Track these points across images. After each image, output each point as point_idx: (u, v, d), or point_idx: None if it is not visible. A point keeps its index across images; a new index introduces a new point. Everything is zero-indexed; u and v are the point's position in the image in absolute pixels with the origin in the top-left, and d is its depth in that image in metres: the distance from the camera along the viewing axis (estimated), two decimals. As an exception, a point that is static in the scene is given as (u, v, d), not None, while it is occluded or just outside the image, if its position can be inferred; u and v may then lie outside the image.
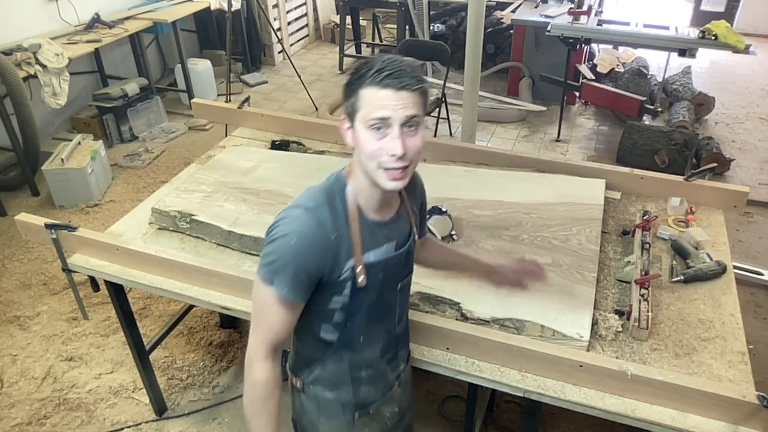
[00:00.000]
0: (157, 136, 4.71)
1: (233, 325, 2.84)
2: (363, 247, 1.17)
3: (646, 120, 4.64)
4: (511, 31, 5.37)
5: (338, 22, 6.28)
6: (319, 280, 1.15)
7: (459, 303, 1.61)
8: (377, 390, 1.35)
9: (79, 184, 3.74)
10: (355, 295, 1.19)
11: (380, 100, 1.05)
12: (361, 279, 1.17)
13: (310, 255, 1.11)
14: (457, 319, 1.60)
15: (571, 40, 4.17)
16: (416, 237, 1.32)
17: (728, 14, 6.93)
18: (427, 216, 1.87)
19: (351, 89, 1.09)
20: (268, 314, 1.16)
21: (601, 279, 1.75)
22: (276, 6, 6.06)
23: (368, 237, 1.18)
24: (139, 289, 2.39)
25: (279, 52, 6.28)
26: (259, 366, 1.19)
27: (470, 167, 2.29)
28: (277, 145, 2.55)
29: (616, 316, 1.61)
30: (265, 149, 2.51)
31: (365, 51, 6.57)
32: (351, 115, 1.11)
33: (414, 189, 1.35)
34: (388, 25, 6.99)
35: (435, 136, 4.42)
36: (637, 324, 1.54)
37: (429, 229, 1.86)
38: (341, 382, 1.30)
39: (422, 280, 1.68)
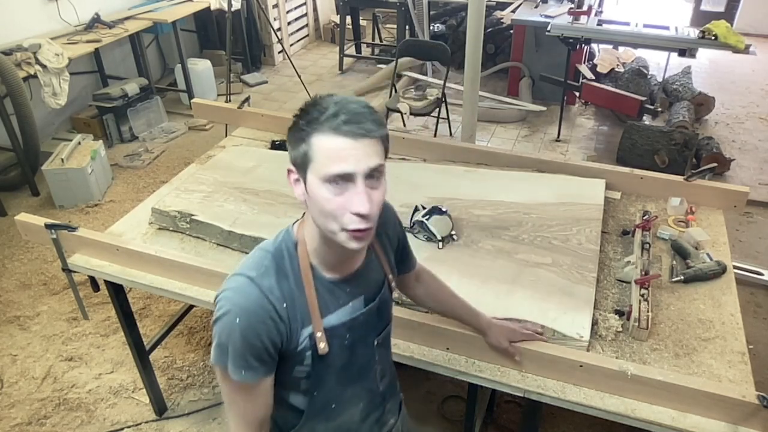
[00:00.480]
0: (157, 136, 4.71)
1: (233, 325, 2.83)
2: (322, 311, 1.04)
3: (646, 120, 4.64)
4: (511, 31, 5.37)
5: (338, 22, 6.28)
6: (279, 351, 1.02)
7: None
8: None
9: (79, 184, 3.74)
10: (318, 363, 1.06)
11: (339, 151, 0.89)
12: (322, 346, 1.04)
13: (261, 331, 0.98)
14: (457, 319, 1.60)
15: (571, 40, 4.17)
16: (391, 285, 1.20)
17: (728, 14, 6.93)
18: (427, 217, 1.87)
19: (300, 135, 0.93)
20: (237, 400, 1.04)
21: (601, 279, 1.75)
22: (276, 6, 6.06)
23: (328, 298, 1.05)
24: (139, 289, 2.39)
25: (279, 52, 6.28)
26: None
27: (470, 167, 2.29)
28: (277, 145, 2.55)
29: (616, 316, 1.61)
30: (265, 149, 2.51)
31: (365, 51, 6.57)
32: (301, 166, 0.95)
33: (385, 225, 1.17)
34: (388, 25, 6.99)
35: (435, 136, 4.42)
36: (637, 324, 1.54)
37: (429, 229, 1.86)
38: None
39: (422, 280, 1.68)
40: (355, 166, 0.90)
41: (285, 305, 1.00)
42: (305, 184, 0.96)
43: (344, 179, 0.91)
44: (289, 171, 1.00)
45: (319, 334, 1.03)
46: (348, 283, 1.08)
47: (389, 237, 1.21)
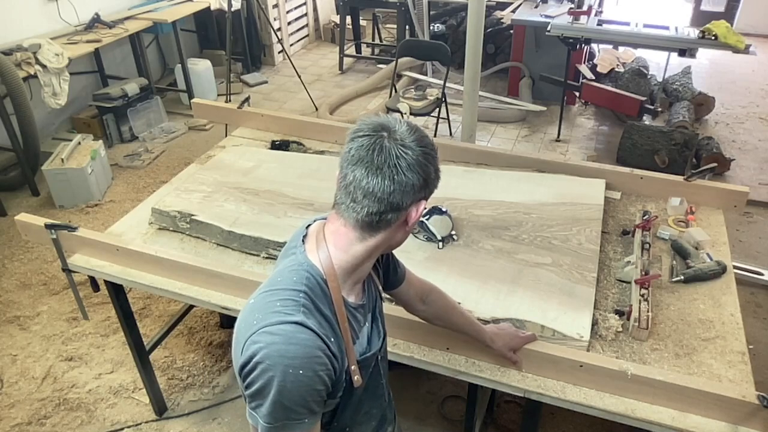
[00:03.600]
0: (157, 136, 4.71)
1: (233, 325, 2.83)
2: (353, 341, 1.02)
3: (646, 120, 4.64)
4: (511, 31, 5.37)
5: (338, 22, 6.28)
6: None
7: (459, 303, 1.61)
8: None
9: (79, 184, 3.74)
10: (346, 395, 1.03)
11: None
12: (356, 378, 1.01)
13: (324, 374, 0.91)
14: (457, 319, 1.60)
15: (571, 40, 4.17)
16: (381, 295, 1.20)
17: (728, 14, 6.93)
18: (427, 217, 1.87)
19: (436, 181, 1.04)
20: None
21: (601, 279, 1.75)
22: (276, 6, 6.06)
23: (354, 325, 1.03)
24: (139, 289, 2.39)
25: (279, 52, 6.28)
26: None
27: (470, 167, 2.29)
28: (277, 145, 2.55)
29: (616, 316, 1.61)
30: (265, 149, 2.51)
31: (365, 51, 6.57)
32: (425, 197, 1.02)
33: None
34: (388, 25, 6.99)
35: (435, 136, 4.42)
36: (637, 324, 1.54)
37: (429, 229, 1.86)
38: None
39: (422, 280, 1.68)
40: None
41: (333, 340, 0.95)
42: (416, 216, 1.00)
43: None
44: (420, 203, 1.02)
45: (353, 368, 1.01)
46: (362, 305, 1.08)
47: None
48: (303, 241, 1.04)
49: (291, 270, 0.99)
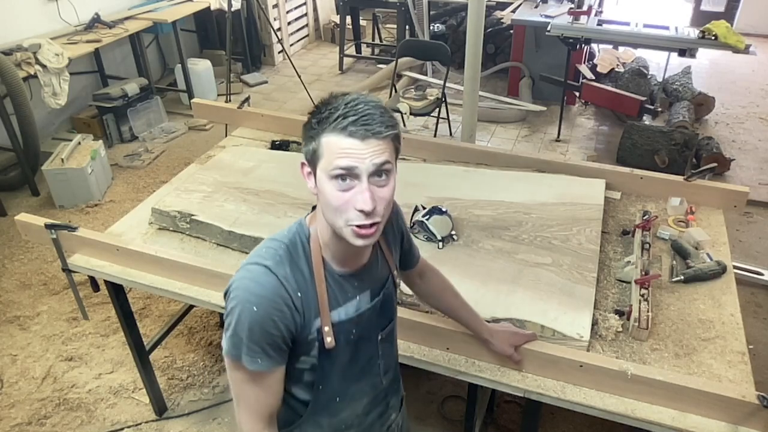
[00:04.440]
0: (157, 136, 4.71)
1: (233, 325, 2.83)
2: (330, 305, 1.06)
3: (646, 120, 4.64)
4: (511, 31, 5.37)
5: (338, 22, 6.28)
6: (292, 340, 1.04)
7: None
8: None
9: (79, 184, 3.74)
10: (323, 357, 1.08)
11: (344, 150, 0.93)
12: (329, 340, 1.06)
13: (278, 319, 0.99)
14: (457, 319, 1.60)
15: (571, 40, 4.17)
16: (396, 281, 1.23)
17: (728, 14, 6.93)
18: (427, 217, 1.87)
19: (310, 133, 0.97)
20: (249, 391, 1.04)
21: (601, 279, 1.75)
22: (276, 6, 6.06)
23: (337, 292, 1.08)
24: (139, 289, 2.39)
25: (279, 52, 6.28)
26: None
27: (470, 167, 2.29)
28: (277, 145, 2.55)
29: (616, 316, 1.61)
30: (265, 149, 2.51)
31: (365, 51, 6.57)
32: (311, 162, 0.99)
33: (391, 222, 1.21)
34: (388, 25, 6.99)
35: (435, 136, 4.42)
36: (637, 324, 1.54)
37: (429, 229, 1.86)
38: None
39: (422, 280, 1.68)
40: (358, 162, 0.93)
41: (299, 295, 1.02)
42: (315, 179, 1.00)
43: (350, 176, 0.94)
44: (303, 164, 1.03)
45: (326, 329, 1.06)
46: (356, 278, 1.11)
47: (395, 233, 1.23)
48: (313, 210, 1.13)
49: (288, 227, 1.10)
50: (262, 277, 1.00)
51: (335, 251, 1.06)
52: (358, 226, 0.96)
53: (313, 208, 1.10)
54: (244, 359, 1.00)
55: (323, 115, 0.95)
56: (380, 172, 0.95)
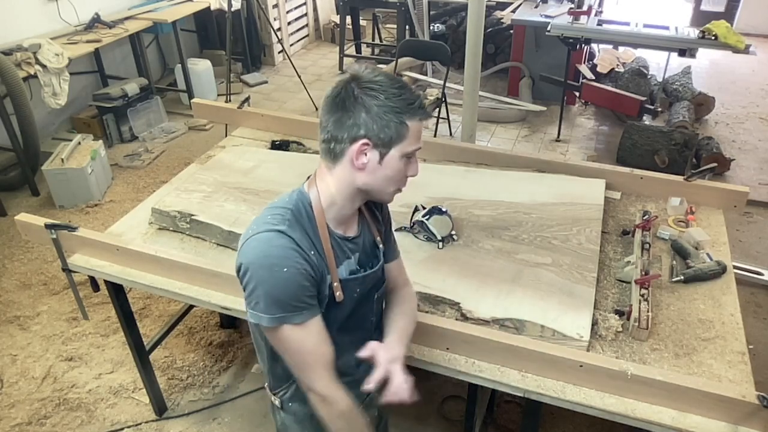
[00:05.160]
0: (157, 136, 4.71)
1: (233, 325, 2.84)
2: (336, 263, 1.15)
3: (646, 120, 4.64)
4: (511, 31, 5.37)
5: (338, 22, 6.28)
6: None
7: (459, 303, 1.61)
8: (356, 398, 1.24)
9: (79, 184, 3.74)
10: (328, 311, 1.16)
11: (419, 133, 1.11)
12: (338, 294, 1.15)
13: (305, 272, 1.07)
14: (457, 319, 1.60)
15: (571, 40, 4.17)
16: (380, 247, 1.29)
17: (728, 14, 6.93)
18: (427, 217, 1.87)
19: (397, 117, 1.06)
20: (308, 345, 1.11)
21: (601, 279, 1.75)
22: (276, 6, 6.06)
23: (338, 251, 1.17)
24: (139, 289, 2.39)
25: (279, 52, 6.28)
26: (337, 396, 1.15)
27: (470, 167, 2.29)
28: (277, 145, 2.55)
29: (616, 316, 1.61)
30: (265, 149, 2.51)
31: (365, 51, 6.57)
32: (386, 142, 1.08)
33: (380, 207, 1.33)
34: (388, 25, 6.99)
35: (435, 136, 4.42)
36: (637, 324, 1.54)
37: (429, 229, 1.86)
38: None
39: (422, 280, 1.68)
40: (421, 143, 1.14)
41: (312, 253, 1.10)
42: (382, 156, 1.09)
43: (414, 153, 1.13)
44: (363, 141, 1.07)
45: (336, 284, 1.15)
46: (350, 241, 1.21)
47: (381, 213, 1.34)
48: (307, 180, 1.21)
49: (288, 194, 1.17)
50: (277, 240, 1.06)
51: (339, 212, 1.16)
52: (399, 190, 1.16)
53: (308, 178, 1.19)
54: (292, 317, 1.07)
55: (406, 99, 1.06)
56: None
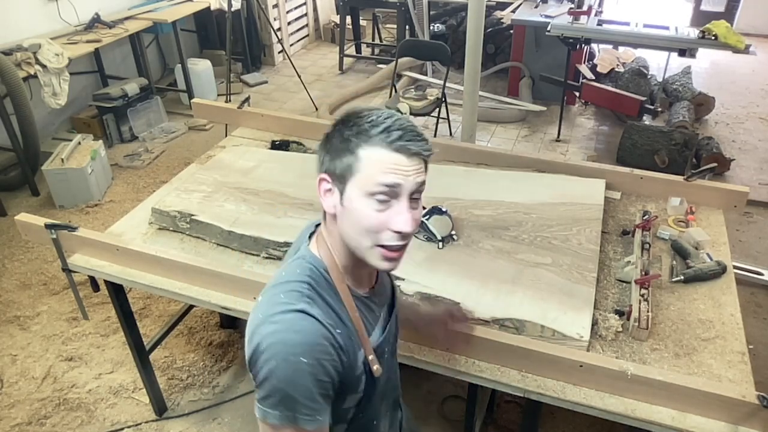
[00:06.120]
0: (157, 136, 4.71)
1: (233, 325, 2.84)
2: (367, 331, 1.00)
3: (646, 120, 4.64)
4: (511, 31, 5.37)
5: (338, 22, 6.28)
6: (339, 382, 0.94)
7: (459, 303, 1.61)
8: None
9: (79, 184, 3.74)
10: (369, 386, 1.00)
11: (389, 165, 0.87)
12: (376, 368, 0.99)
13: (328, 363, 0.89)
14: (457, 319, 1.60)
15: (571, 40, 4.17)
16: (396, 293, 1.18)
17: (728, 14, 6.93)
18: (427, 217, 1.87)
19: (345, 146, 0.89)
20: None
21: (601, 279, 1.75)
22: (276, 6, 6.06)
23: (367, 315, 1.02)
24: (139, 289, 2.39)
25: (279, 52, 6.28)
26: None
27: (470, 167, 2.29)
28: (277, 145, 2.55)
29: (616, 316, 1.61)
30: (265, 149, 2.51)
31: (365, 51, 6.57)
32: (340, 178, 0.90)
33: None
34: (388, 25, 6.99)
35: (435, 136, 4.42)
36: (637, 324, 1.54)
37: (429, 229, 1.86)
38: None
39: (422, 280, 1.68)
40: (403, 180, 0.88)
41: (339, 331, 0.93)
42: (342, 196, 0.91)
43: (389, 194, 0.88)
44: (322, 180, 0.94)
45: (371, 357, 0.99)
46: (375, 295, 1.06)
47: None
48: (309, 238, 1.04)
49: (295, 264, 0.98)
50: (300, 323, 0.89)
51: (355, 275, 1.00)
52: (388, 249, 0.90)
53: (310, 236, 1.03)
54: (302, 421, 0.88)
55: (362, 127, 0.88)
56: (418, 192, 0.91)
